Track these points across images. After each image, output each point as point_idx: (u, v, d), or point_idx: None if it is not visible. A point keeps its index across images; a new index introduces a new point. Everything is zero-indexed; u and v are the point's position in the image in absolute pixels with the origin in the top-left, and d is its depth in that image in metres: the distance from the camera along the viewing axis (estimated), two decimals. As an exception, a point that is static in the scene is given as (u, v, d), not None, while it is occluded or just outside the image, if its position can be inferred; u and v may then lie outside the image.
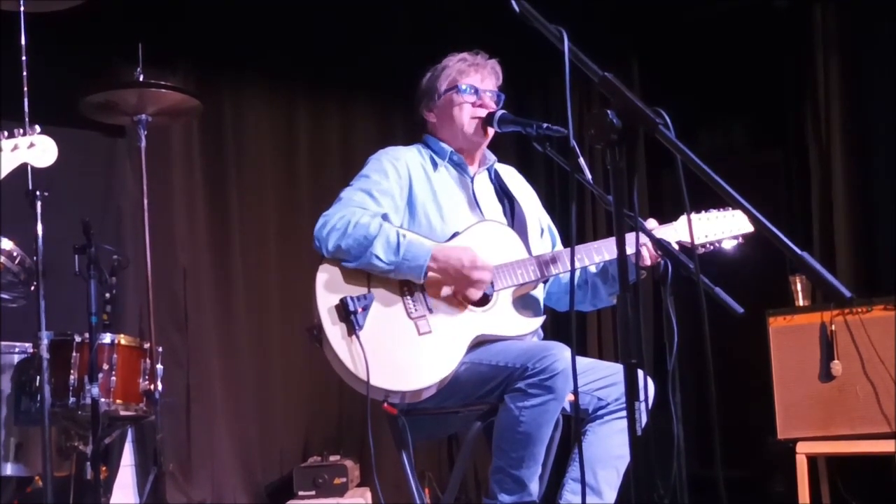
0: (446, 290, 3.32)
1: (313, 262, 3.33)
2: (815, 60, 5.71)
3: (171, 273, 5.49)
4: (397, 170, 3.50)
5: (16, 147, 2.30)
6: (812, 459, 4.85)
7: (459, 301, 3.33)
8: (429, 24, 5.98)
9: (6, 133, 2.33)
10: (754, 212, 1.97)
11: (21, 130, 2.35)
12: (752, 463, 5.33)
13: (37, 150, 2.33)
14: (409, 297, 3.30)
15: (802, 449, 4.78)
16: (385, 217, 3.39)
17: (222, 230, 5.79)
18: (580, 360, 3.38)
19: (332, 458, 5.46)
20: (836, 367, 4.74)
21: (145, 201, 4.56)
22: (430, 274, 3.28)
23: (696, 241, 3.49)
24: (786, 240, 1.93)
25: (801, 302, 5.13)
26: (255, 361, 5.82)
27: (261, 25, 5.78)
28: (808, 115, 5.77)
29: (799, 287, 5.14)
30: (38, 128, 2.36)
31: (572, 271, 2.39)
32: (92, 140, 5.12)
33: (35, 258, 3.88)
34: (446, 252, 3.30)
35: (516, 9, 2.20)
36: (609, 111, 2.05)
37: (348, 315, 3.19)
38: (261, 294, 5.88)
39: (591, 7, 5.87)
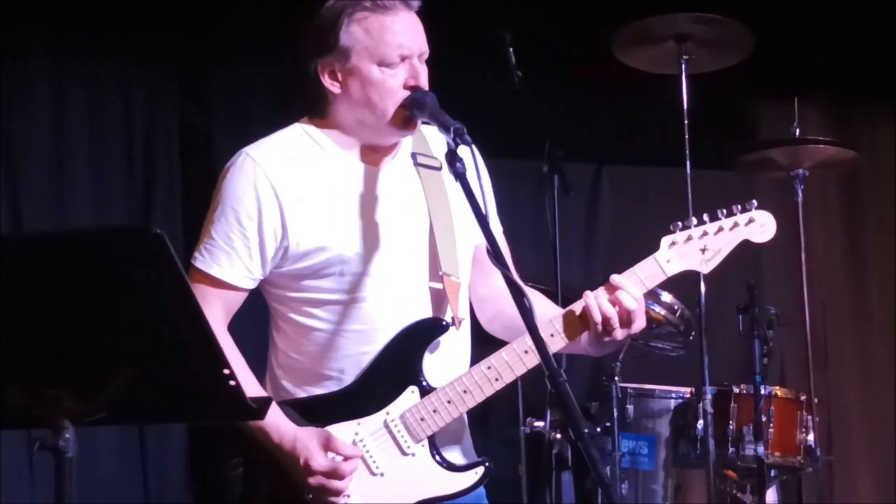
0: None
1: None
2: None
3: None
4: None
5: (735, 225, 2.44)
6: None
7: None
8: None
9: (724, 212, 2.47)
10: None
11: (739, 207, 2.47)
12: None
13: (755, 225, 2.45)
14: None
15: None
16: None
17: (860, 269, 5.68)
18: None
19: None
20: None
21: (802, 256, 4.55)
22: None
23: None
24: None
25: None
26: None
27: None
28: None
29: None
30: (755, 202, 2.47)
31: None
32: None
33: (698, 310, 4.19)
34: None
35: None
36: None
37: None
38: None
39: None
